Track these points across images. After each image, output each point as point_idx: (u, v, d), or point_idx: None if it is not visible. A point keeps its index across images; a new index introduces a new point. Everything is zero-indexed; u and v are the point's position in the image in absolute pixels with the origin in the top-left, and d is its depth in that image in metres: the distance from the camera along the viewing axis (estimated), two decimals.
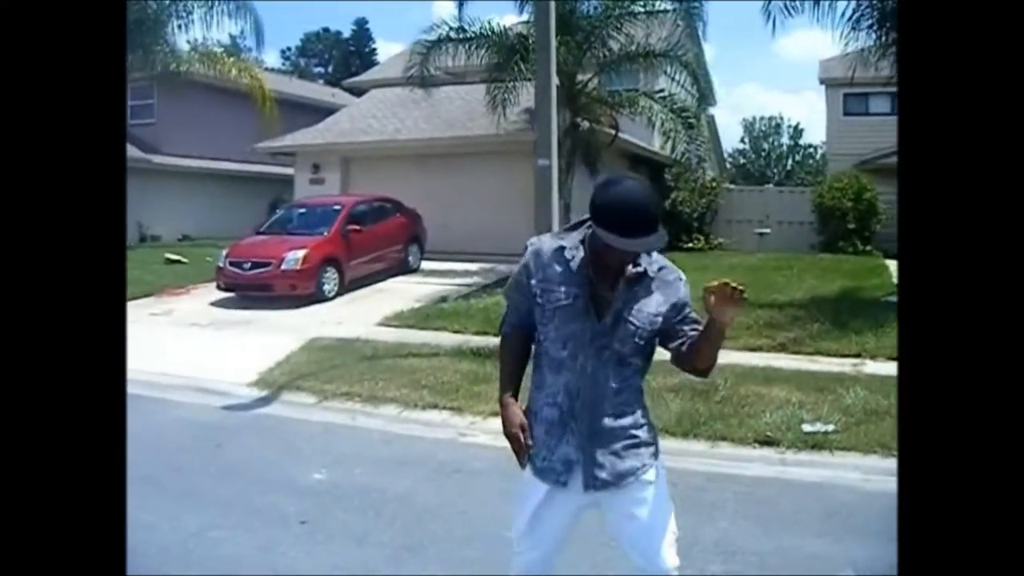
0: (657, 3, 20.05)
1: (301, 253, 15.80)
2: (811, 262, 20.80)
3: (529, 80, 15.52)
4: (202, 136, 27.37)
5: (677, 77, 20.50)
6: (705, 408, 8.29)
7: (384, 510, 6.16)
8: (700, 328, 3.15)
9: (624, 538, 3.35)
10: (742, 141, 64.41)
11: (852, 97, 27.03)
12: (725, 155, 48.16)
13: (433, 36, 19.60)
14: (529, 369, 3.39)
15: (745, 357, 10.31)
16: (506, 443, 3.31)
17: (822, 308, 13.37)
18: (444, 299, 15.63)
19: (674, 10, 20.05)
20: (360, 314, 14.59)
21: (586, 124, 19.87)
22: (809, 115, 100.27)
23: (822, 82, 27.95)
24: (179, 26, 22.25)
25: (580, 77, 19.48)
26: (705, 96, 24.17)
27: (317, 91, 39.64)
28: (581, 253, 3.14)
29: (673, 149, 20.44)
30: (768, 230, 26.08)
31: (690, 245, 24.65)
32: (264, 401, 9.66)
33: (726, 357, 10.38)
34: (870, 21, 15.57)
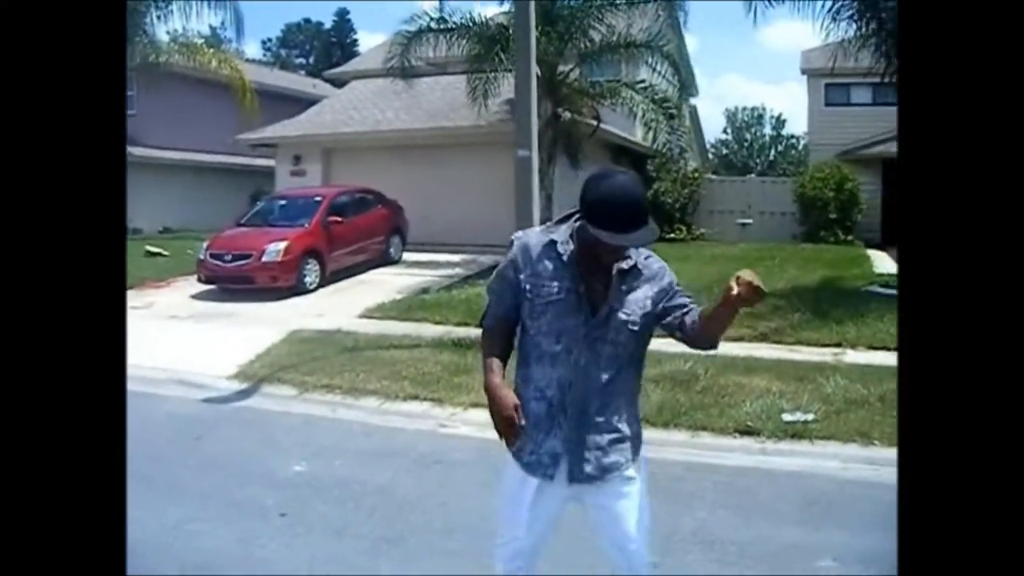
0: None
1: (282, 245, 15.73)
2: (793, 252, 20.85)
3: (510, 71, 15.50)
4: (182, 128, 27.20)
5: (658, 68, 20.55)
6: (686, 398, 8.31)
7: (364, 502, 6.16)
8: (690, 302, 3.19)
9: (603, 532, 3.35)
10: (725, 132, 64.50)
11: (833, 87, 27.06)
12: (708, 146, 48.27)
13: (414, 27, 19.53)
14: (512, 364, 3.37)
15: (726, 347, 10.27)
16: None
17: (803, 298, 13.39)
18: (426, 290, 15.61)
19: (655, 0, 20.04)
20: (341, 306, 14.56)
21: (568, 115, 19.86)
22: (791, 105, 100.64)
23: (804, 72, 27.97)
24: (158, 17, 22.08)
25: (561, 68, 19.45)
26: (686, 86, 24.24)
27: (298, 82, 39.43)
28: (571, 247, 3.12)
29: (655, 140, 20.43)
30: (750, 220, 26.15)
31: (672, 236, 24.67)
32: (244, 394, 9.63)
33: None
34: (850, 12, 15.58)
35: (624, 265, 3.11)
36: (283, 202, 18.82)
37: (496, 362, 3.27)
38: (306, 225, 16.71)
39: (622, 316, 3.11)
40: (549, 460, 3.21)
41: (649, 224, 2.96)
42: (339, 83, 31.53)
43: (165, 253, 20.00)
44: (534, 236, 3.24)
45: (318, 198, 17.78)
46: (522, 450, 3.25)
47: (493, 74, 18.87)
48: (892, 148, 23.00)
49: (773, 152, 62.53)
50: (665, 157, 23.49)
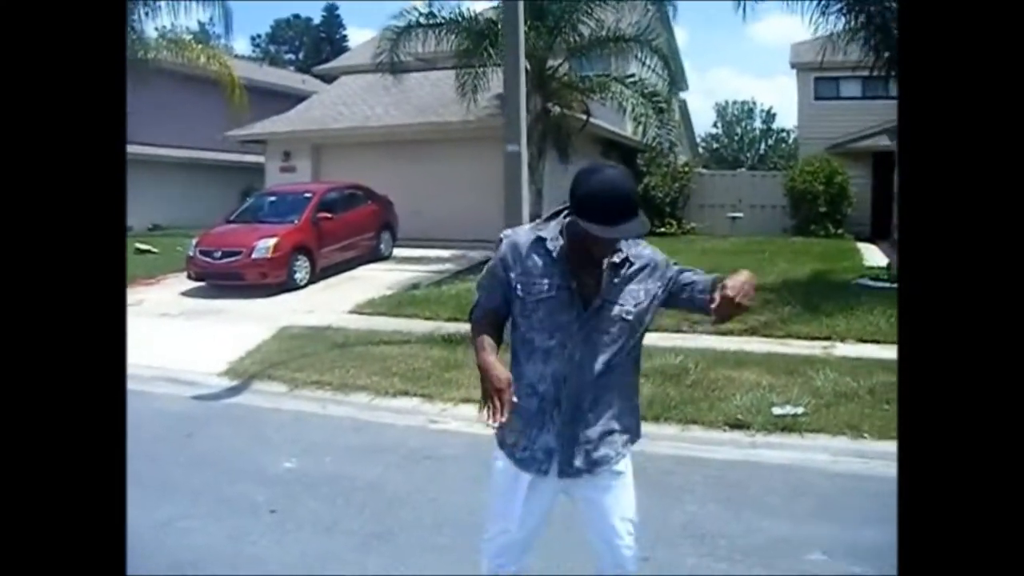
0: None
1: (272, 241, 15.69)
2: (783, 245, 20.91)
3: (499, 66, 15.48)
4: (172, 124, 27.10)
5: (648, 62, 20.50)
6: (676, 392, 8.32)
7: (354, 498, 6.15)
8: (696, 278, 3.21)
9: (590, 526, 3.35)
10: (715, 126, 64.69)
11: (823, 81, 27.10)
12: (698, 140, 48.31)
13: (403, 22, 19.47)
14: (504, 358, 3.36)
15: (716, 341, 10.33)
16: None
17: (793, 291, 13.41)
18: (416, 286, 15.60)
19: None
20: (332, 302, 14.54)
21: (557, 110, 19.84)
22: (782, 99, 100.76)
23: (793, 66, 27.98)
24: (146, 13, 21.92)
25: (551, 63, 19.42)
26: (676, 81, 24.23)
27: (288, 78, 39.36)
28: (561, 243, 3.11)
29: (644, 134, 20.41)
30: (740, 214, 26.15)
31: (663, 230, 24.68)
32: (235, 390, 9.62)
33: (696, 341, 10.52)
34: (839, 5, 15.58)
35: (615, 259, 3.11)
36: (273, 198, 18.76)
37: (488, 340, 3.24)
38: (296, 221, 16.67)
39: (616, 309, 3.11)
40: (543, 456, 3.21)
41: (639, 216, 2.96)
42: (328, 79, 31.50)
43: (155, 250, 19.94)
44: (523, 234, 3.23)
45: (308, 194, 17.73)
46: (515, 446, 3.25)
47: (482, 69, 18.87)
48: (882, 141, 23.09)
49: (763, 146, 62.70)
50: (655, 151, 23.48)
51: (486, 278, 3.33)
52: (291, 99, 29.46)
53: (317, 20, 67.81)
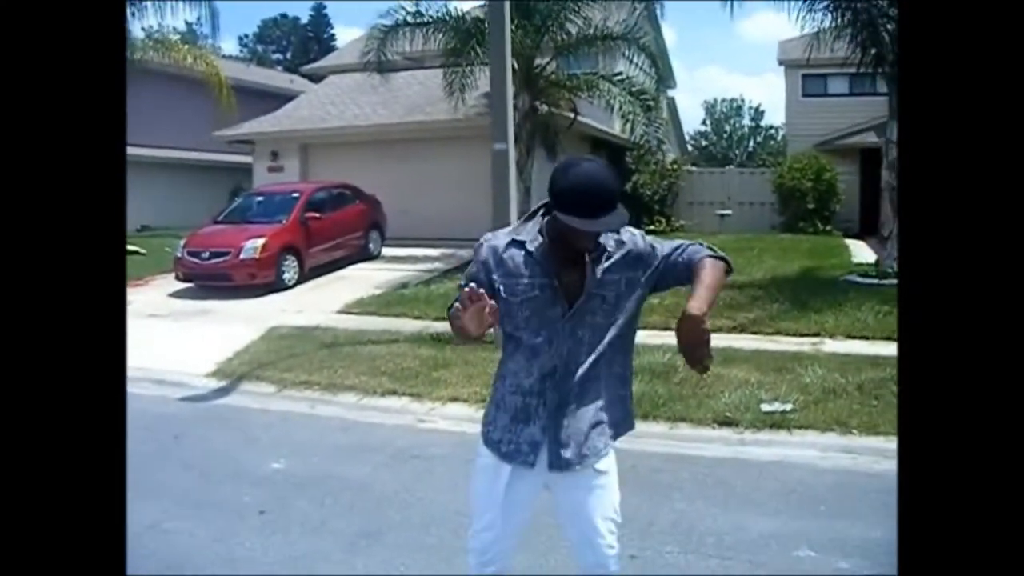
0: None
1: (260, 241, 15.67)
2: (771, 242, 20.94)
3: (487, 64, 15.47)
4: (159, 125, 27.01)
5: (636, 60, 20.50)
6: (664, 389, 8.32)
7: (342, 497, 6.14)
8: (679, 252, 3.16)
9: (572, 525, 3.34)
10: (704, 123, 64.69)
11: (810, 78, 27.16)
12: (687, 137, 48.34)
13: (390, 21, 19.45)
14: (491, 355, 3.36)
15: None
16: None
17: (782, 288, 13.46)
18: (405, 285, 15.59)
19: None
20: (320, 302, 14.52)
21: (545, 108, 19.84)
22: (770, 97, 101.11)
23: (781, 63, 28.04)
24: (132, 13, 21.86)
25: (538, 61, 19.41)
26: (664, 79, 24.24)
27: (275, 78, 39.30)
28: (541, 241, 3.11)
29: (632, 132, 20.41)
30: (729, 211, 26.20)
31: (652, 228, 24.68)
32: (223, 391, 9.60)
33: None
34: (826, 2, 15.62)
35: (596, 252, 3.10)
36: (260, 198, 18.72)
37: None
38: (284, 221, 16.65)
39: (600, 302, 3.10)
40: (528, 448, 3.20)
41: (619, 208, 2.94)
42: (316, 78, 31.46)
43: (143, 252, 19.86)
44: (502, 236, 3.22)
45: (296, 194, 17.69)
46: (500, 442, 3.25)
47: (470, 68, 18.87)
48: (869, 138, 23.12)
49: (752, 143, 62.72)
50: (643, 149, 23.48)
51: (467, 281, 3.32)
52: (279, 99, 29.39)
53: (305, 19, 67.81)
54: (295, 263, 16.33)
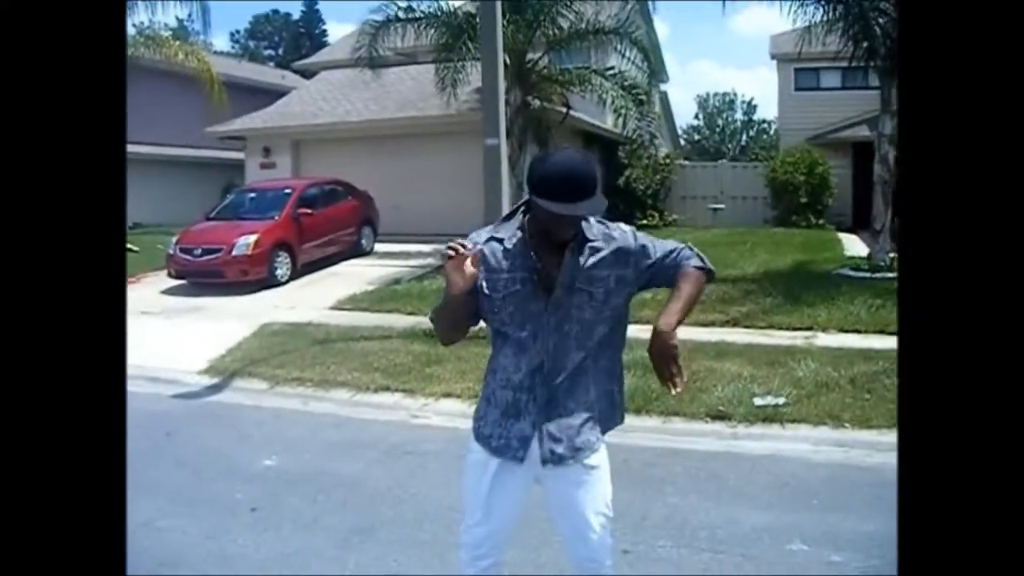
0: None
1: (252, 238, 15.61)
2: (764, 236, 20.94)
3: (478, 59, 15.45)
4: (151, 122, 26.91)
5: (628, 54, 20.45)
6: (657, 384, 8.24)
7: (335, 494, 6.14)
8: (668, 257, 3.20)
9: (564, 520, 3.34)
10: (696, 118, 64.72)
11: (803, 72, 27.16)
12: (680, 132, 48.32)
13: (381, 16, 19.39)
14: (484, 351, 3.35)
15: (697, 332, 10.33)
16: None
17: (775, 282, 13.46)
18: (397, 281, 15.57)
19: None
20: (313, 298, 14.50)
21: (537, 103, 19.80)
22: (763, 91, 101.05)
23: (773, 57, 28.05)
24: None
25: (530, 56, 19.36)
26: (656, 73, 24.22)
27: (267, 74, 39.22)
28: (521, 235, 3.13)
29: (624, 126, 20.37)
30: (722, 206, 26.22)
31: (644, 222, 24.72)
32: (215, 388, 9.58)
33: (677, 333, 10.42)
34: None
35: (577, 242, 3.11)
36: (252, 195, 18.64)
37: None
38: (276, 218, 16.60)
39: (588, 298, 3.11)
40: (518, 443, 3.21)
41: (597, 195, 2.98)
42: (308, 74, 31.38)
43: (135, 249, 19.80)
44: (483, 235, 3.24)
45: (288, 190, 17.66)
46: (491, 437, 3.25)
47: (461, 63, 18.81)
48: (862, 132, 23.15)
49: (745, 137, 62.77)
50: (636, 143, 23.44)
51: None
52: (271, 95, 29.31)
53: (296, 15, 67.74)
54: (287, 259, 16.29)
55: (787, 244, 19.10)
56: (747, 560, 4.89)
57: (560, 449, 3.19)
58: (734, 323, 11.07)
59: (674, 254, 3.20)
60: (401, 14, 19.31)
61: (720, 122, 64.29)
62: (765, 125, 60.24)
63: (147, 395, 9.18)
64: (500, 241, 3.16)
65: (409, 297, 13.65)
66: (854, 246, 19.07)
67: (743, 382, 8.31)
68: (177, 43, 24.44)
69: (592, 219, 3.16)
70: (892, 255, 14.24)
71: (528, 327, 3.13)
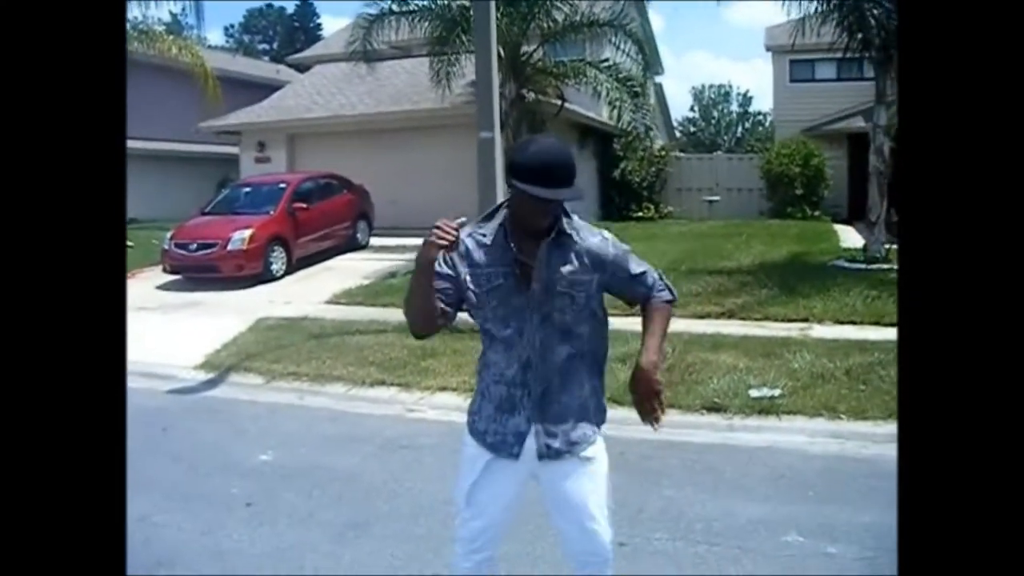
0: None
1: (247, 233, 15.57)
2: (760, 228, 20.96)
3: (473, 52, 15.44)
4: (145, 117, 26.77)
5: (623, 47, 20.43)
6: None
7: (330, 488, 6.13)
8: (638, 282, 3.28)
9: (561, 513, 3.33)
10: (692, 109, 64.75)
11: (798, 63, 27.15)
12: (675, 124, 48.28)
13: (375, 10, 19.35)
14: (479, 345, 3.35)
15: (693, 324, 10.34)
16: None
17: (770, 274, 13.46)
18: (393, 275, 15.52)
19: None
20: (308, 292, 14.49)
21: (532, 95, 19.80)
22: (758, 82, 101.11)
23: (768, 49, 28.02)
24: None
25: (525, 48, 19.34)
26: (651, 65, 24.18)
27: (261, 68, 39.16)
28: (501, 230, 3.16)
29: (619, 119, 20.35)
30: (717, 198, 26.20)
31: (640, 214, 24.73)
32: (211, 383, 9.57)
33: (672, 324, 10.38)
34: None
35: (556, 232, 3.12)
36: (247, 189, 18.59)
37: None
38: (271, 212, 16.57)
39: (564, 298, 3.14)
40: (514, 439, 3.21)
41: (576, 185, 3.02)
42: (303, 68, 31.36)
43: (130, 244, 19.75)
44: (465, 231, 3.24)
45: (283, 185, 17.63)
46: (486, 432, 3.26)
47: (456, 56, 18.79)
48: (857, 123, 23.13)
49: (740, 129, 62.81)
50: (631, 136, 23.41)
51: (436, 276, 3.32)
52: (265, 89, 29.27)
53: (290, 9, 67.62)
54: (283, 254, 16.27)
55: (782, 236, 19.09)
56: (743, 552, 4.89)
57: (556, 444, 3.20)
58: (730, 315, 11.07)
59: (646, 276, 3.29)
60: (395, 7, 19.28)
61: (715, 114, 64.29)
62: (760, 117, 60.28)
63: (143, 390, 9.15)
64: (483, 236, 3.18)
65: (404, 291, 13.59)
66: (850, 237, 19.07)
67: (739, 374, 8.31)
68: (171, 38, 24.33)
69: (574, 216, 3.20)
70: (888, 246, 14.24)
71: (512, 324, 3.15)
